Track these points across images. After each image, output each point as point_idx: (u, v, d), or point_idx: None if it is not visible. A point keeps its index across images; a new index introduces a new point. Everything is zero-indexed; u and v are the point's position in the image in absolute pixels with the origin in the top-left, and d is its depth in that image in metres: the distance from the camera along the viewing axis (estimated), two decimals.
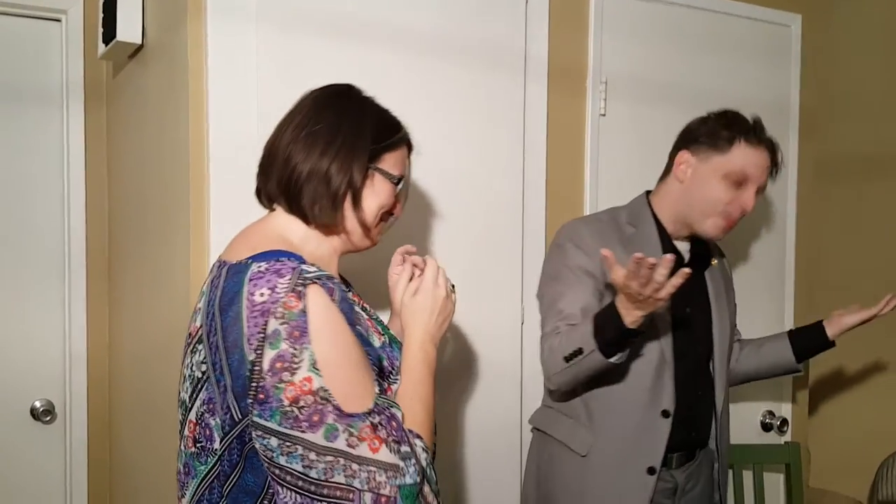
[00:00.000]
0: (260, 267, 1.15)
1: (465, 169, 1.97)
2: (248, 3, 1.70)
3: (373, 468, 1.10)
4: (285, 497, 1.12)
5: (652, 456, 1.76)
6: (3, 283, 2.28)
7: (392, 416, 1.15)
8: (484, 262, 2.01)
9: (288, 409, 1.09)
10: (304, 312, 1.11)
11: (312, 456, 1.09)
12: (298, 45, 1.75)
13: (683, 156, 1.81)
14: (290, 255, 1.19)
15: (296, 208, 1.26)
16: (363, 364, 1.16)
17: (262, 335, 1.10)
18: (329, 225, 1.27)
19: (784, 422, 2.49)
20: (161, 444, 1.95)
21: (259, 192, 1.33)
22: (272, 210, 1.32)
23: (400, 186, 1.31)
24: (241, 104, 1.69)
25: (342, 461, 1.09)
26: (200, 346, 1.19)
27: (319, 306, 1.12)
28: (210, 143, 1.68)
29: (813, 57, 2.54)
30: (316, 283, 1.13)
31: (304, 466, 1.10)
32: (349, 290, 1.43)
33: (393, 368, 1.27)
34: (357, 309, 1.24)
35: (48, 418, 2.33)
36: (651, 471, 1.76)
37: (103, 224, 2.38)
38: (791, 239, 2.55)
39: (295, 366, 1.09)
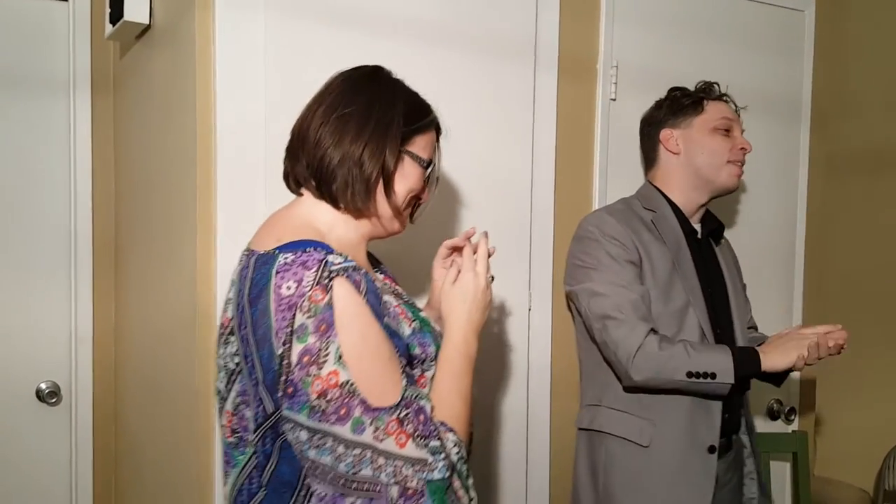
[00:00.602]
0: (287, 258, 1.14)
1: (474, 156, 1.95)
2: None
3: (399, 462, 1.10)
4: (318, 489, 1.14)
5: (710, 434, 1.78)
6: (10, 266, 2.27)
7: (420, 409, 1.14)
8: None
9: (315, 403, 1.10)
10: (329, 306, 1.11)
11: (341, 449, 1.11)
12: (306, 29, 1.73)
13: (665, 133, 1.92)
14: (316, 245, 1.17)
15: (326, 193, 1.25)
16: (390, 357, 1.15)
17: (289, 329, 1.11)
18: (360, 210, 1.25)
19: (792, 410, 2.48)
20: (167, 426, 1.95)
21: (287, 176, 1.32)
22: (300, 195, 1.30)
23: (429, 171, 1.30)
24: (248, 88, 1.68)
25: (369, 454, 1.10)
26: (232, 338, 1.19)
27: (345, 299, 1.12)
28: (217, 126, 1.66)
29: (826, 44, 2.52)
30: (341, 275, 1.13)
31: (333, 459, 1.11)
32: (379, 271, 1.42)
33: (426, 356, 1.25)
34: (386, 297, 1.23)
35: (54, 400, 2.33)
36: (711, 449, 1.77)
37: (110, 207, 2.37)
38: (801, 233, 2.53)
39: (322, 360, 1.10)
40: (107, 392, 2.40)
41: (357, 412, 1.10)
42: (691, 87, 1.95)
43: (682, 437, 1.77)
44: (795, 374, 2.53)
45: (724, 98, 1.94)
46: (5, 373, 2.28)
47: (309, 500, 1.15)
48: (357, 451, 1.10)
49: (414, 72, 1.82)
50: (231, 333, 1.19)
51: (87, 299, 2.35)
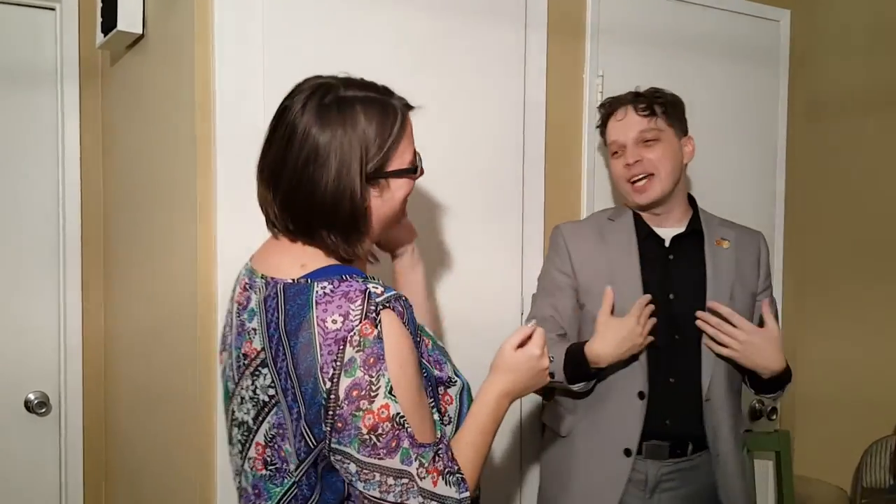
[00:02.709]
0: (324, 288, 1.15)
1: (465, 128, 2.00)
2: None
3: (434, 501, 1.13)
4: None
5: (627, 438, 1.79)
6: None
7: (446, 437, 1.18)
8: (480, 215, 2.05)
9: (366, 437, 1.10)
10: (379, 339, 1.11)
11: (390, 481, 1.11)
12: (303, 35, 1.76)
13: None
14: (350, 272, 1.18)
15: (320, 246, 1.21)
16: (422, 388, 1.17)
17: (337, 363, 1.10)
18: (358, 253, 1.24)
19: (774, 410, 2.54)
20: (163, 433, 1.95)
21: (271, 224, 1.25)
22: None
23: (419, 167, 1.26)
24: (247, 93, 1.70)
25: (415, 487, 1.12)
26: (265, 371, 1.18)
27: (393, 334, 1.12)
28: (217, 133, 1.68)
29: (801, 52, 2.60)
30: (388, 307, 1.13)
31: (381, 492, 1.12)
32: None
33: (444, 375, 1.26)
34: (417, 322, 1.23)
35: (43, 410, 2.32)
36: (627, 453, 1.79)
37: (99, 214, 2.36)
38: (781, 187, 2.61)
39: (373, 393, 1.10)
40: (96, 401, 2.38)
41: (405, 444, 1.11)
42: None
43: (599, 435, 1.82)
44: None
45: (623, 103, 1.91)
46: None
47: None
48: (404, 480, 1.12)
49: (408, 43, 1.88)
50: (263, 366, 1.18)
51: (76, 308, 2.34)
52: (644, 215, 1.92)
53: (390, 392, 1.10)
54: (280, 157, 1.18)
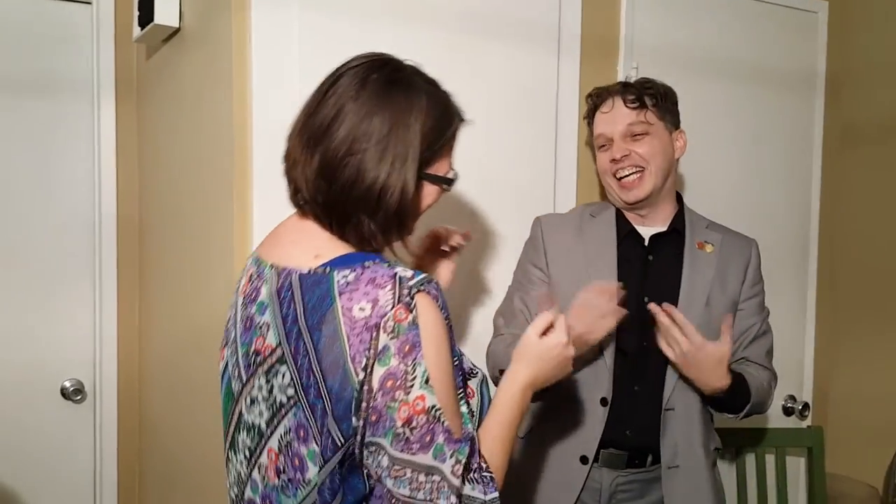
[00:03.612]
0: (346, 277, 1.07)
1: (497, 145, 1.98)
2: None
3: (455, 500, 1.05)
4: None
5: (585, 445, 1.71)
6: (35, 266, 2.30)
7: (475, 439, 1.10)
8: (513, 229, 2.01)
9: (400, 430, 1.03)
10: (415, 324, 1.04)
11: (421, 478, 1.03)
12: (339, 27, 1.76)
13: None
14: (372, 258, 1.11)
15: (338, 234, 1.15)
16: (455, 380, 1.10)
17: (370, 352, 1.03)
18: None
19: (806, 406, 2.51)
20: (192, 423, 1.98)
21: (296, 194, 1.19)
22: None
23: (454, 179, 1.21)
24: (284, 88, 1.70)
25: (446, 486, 1.04)
26: (283, 368, 1.10)
27: (430, 319, 1.05)
28: (254, 129, 1.68)
29: (842, 17, 2.58)
30: (422, 290, 1.06)
31: (411, 490, 1.03)
32: None
33: (471, 367, 1.22)
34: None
35: (78, 397, 2.36)
36: (584, 460, 1.71)
37: (134, 207, 2.39)
38: (815, 209, 2.58)
39: (409, 384, 1.03)
40: (130, 389, 2.42)
41: (440, 439, 1.04)
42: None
43: (556, 439, 1.74)
44: (809, 369, 2.56)
45: (612, 94, 1.80)
46: (31, 371, 2.31)
47: None
48: (435, 478, 1.03)
49: (440, 59, 1.86)
50: (280, 363, 1.10)
51: (112, 298, 2.38)
52: (628, 214, 1.82)
53: (427, 382, 1.03)
54: (326, 125, 1.11)
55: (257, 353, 1.13)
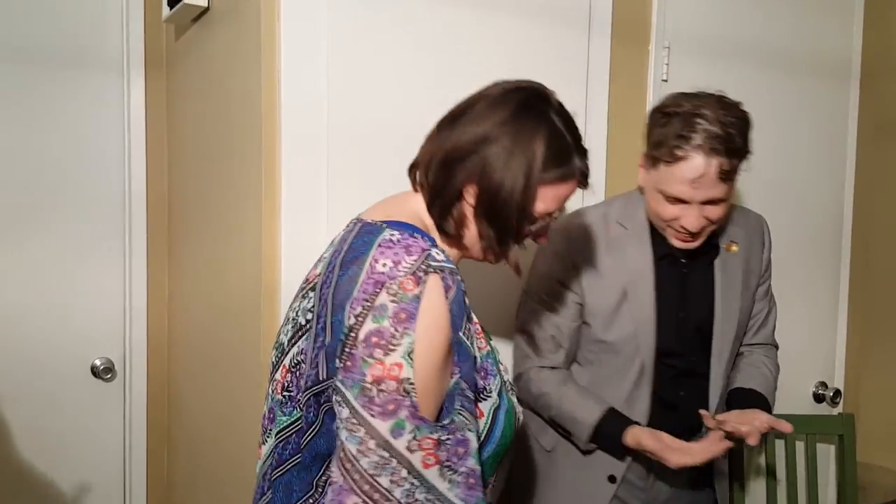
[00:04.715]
0: (393, 235, 1.13)
1: None
2: None
3: (416, 482, 1.04)
4: (334, 474, 1.07)
5: (612, 465, 1.70)
6: (64, 245, 2.32)
7: (464, 440, 1.08)
8: None
9: (368, 386, 1.05)
10: (418, 298, 1.06)
11: (371, 444, 1.04)
12: (367, 7, 1.75)
13: (641, 160, 1.64)
14: (423, 234, 1.16)
15: (432, 214, 1.22)
16: (447, 373, 1.10)
17: (368, 304, 1.07)
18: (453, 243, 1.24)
19: (837, 393, 2.48)
20: (220, 402, 1.99)
21: (411, 171, 1.26)
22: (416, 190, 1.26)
23: (538, 224, 1.20)
24: (312, 68, 1.70)
25: (394, 463, 1.04)
26: (312, 294, 1.17)
27: (433, 300, 1.08)
28: (282, 106, 1.69)
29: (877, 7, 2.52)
30: (438, 273, 1.09)
31: (357, 451, 1.04)
32: None
33: (486, 385, 1.18)
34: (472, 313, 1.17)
35: (108, 376, 2.38)
36: (612, 479, 1.70)
37: (163, 186, 2.41)
38: (849, 202, 2.54)
39: (391, 348, 1.05)
40: (160, 368, 2.45)
41: (403, 414, 1.04)
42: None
43: (584, 456, 1.71)
44: (841, 356, 2.53)
45: (697, 152, 1.48)
46: (62, 350, 2.34)
47: (327, 484, 1.11)
48: (385, 454, 1.03)
49: (469, 41, 1.85)
50: (312, 289, 1.17)
51: (142, 278, 2.40)
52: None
53: (409, 354, 1.05)
54: (459, 116, 1.19)
55: (307, 280, 1.22)
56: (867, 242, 2.61)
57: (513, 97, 1.17)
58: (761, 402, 1.70)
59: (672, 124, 1.51)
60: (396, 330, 1.05)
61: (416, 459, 1.04)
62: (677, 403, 1.72)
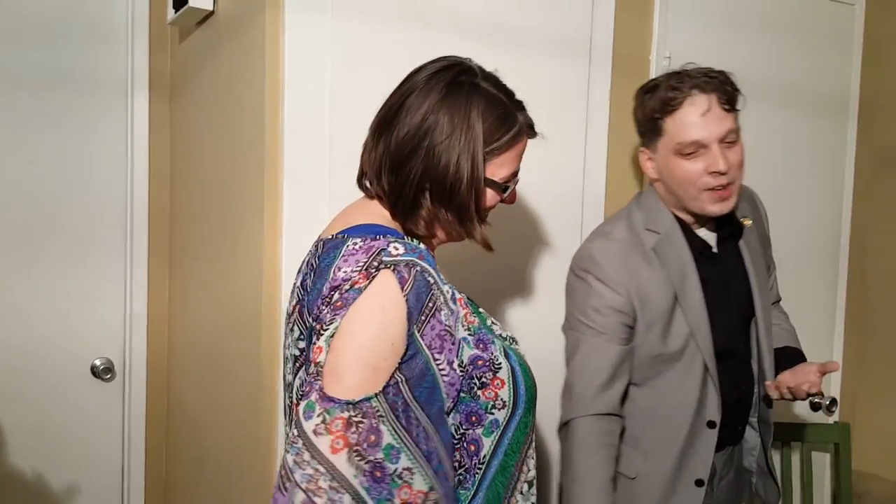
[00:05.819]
0: (355, 243, 1.13)
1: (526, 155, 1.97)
2: None
3: (321, 468, 0.99)
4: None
5: (701, 469, 1.70)
6: (66, 246, 2.33)
7: (377, 430, 1.01)
8: (538, 250, 2.03)
9: (311, 367, 1.07)
10: (360, 290, 1.06)
11: (295, 431, 1.04)
12: (371, 21, 1.76)
13: (641, 156, 1.71)
14: (385, 232, 1.15)
15: (398, 218, 1.21)
16: (376, 368, 1.04)
17: (322, 305, 1.10)
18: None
19: (833, 402, 2.48)
20: (222, 404, 2.00)
21: (363, 177, 1.26)
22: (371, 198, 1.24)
23: (509, 189, 1.22)
24: (315, 78, 1.71)
25: (300, 443, 1.01)
26: (296, 326, 1.18)
27: (378, 293, 1.06)
28: (285, 119, 1.69)
29: (876, 39, 2.52)
30: (389, 268, 1.08)
31: (289, 420, 1.13)
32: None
33: (492, 356, 1.14)
34: (441, 302, 1.11)
35: (108, 376, 2.39)
36: (699, 483, 1.70)
37: (165, 187, 2.42)
38: (846, 229, 2.57)
39: (321, 332, 1.07)
40: (159, 369, 2.45)
41: (313, 396, 1.02)
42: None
43: (671, 469, 1.69)
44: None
45: (699, 87, 1.57)
46: (62, 350, 2.34)
47: None
48: (294, 432, 1.02)
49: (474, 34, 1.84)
50: (296, 321, 1.18)
51: (142, 279, 2.41)
52: (685, 218, 1.69)
53: (329, 338, 1.04)
54: (392, 115, 1.17)
55: (289, 315, 1.22)
56: (864, 255, 2.62)
57: (440, 79, 1.16)
58: (800, 357, 1.86)
59: (660, 88, 1.61)
60: (329, 315, 1.07)
61: (322, 444, 0.99)
62: (736, 398, 1.76)
